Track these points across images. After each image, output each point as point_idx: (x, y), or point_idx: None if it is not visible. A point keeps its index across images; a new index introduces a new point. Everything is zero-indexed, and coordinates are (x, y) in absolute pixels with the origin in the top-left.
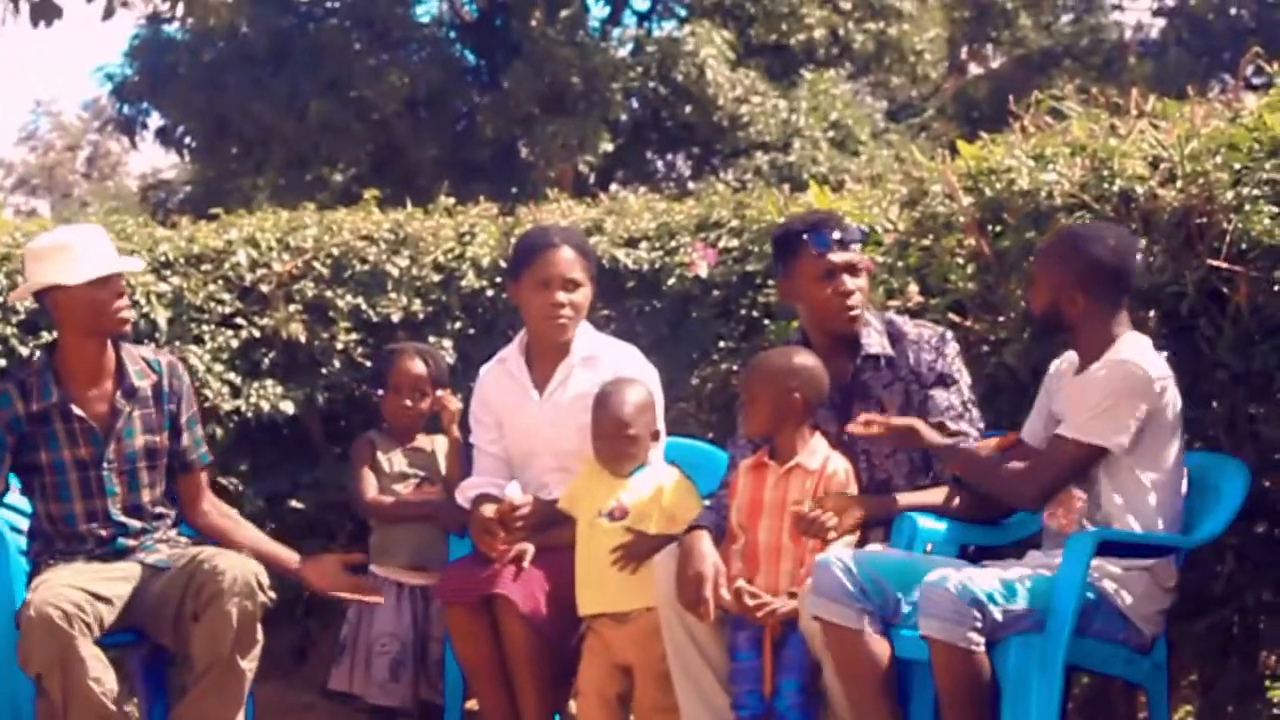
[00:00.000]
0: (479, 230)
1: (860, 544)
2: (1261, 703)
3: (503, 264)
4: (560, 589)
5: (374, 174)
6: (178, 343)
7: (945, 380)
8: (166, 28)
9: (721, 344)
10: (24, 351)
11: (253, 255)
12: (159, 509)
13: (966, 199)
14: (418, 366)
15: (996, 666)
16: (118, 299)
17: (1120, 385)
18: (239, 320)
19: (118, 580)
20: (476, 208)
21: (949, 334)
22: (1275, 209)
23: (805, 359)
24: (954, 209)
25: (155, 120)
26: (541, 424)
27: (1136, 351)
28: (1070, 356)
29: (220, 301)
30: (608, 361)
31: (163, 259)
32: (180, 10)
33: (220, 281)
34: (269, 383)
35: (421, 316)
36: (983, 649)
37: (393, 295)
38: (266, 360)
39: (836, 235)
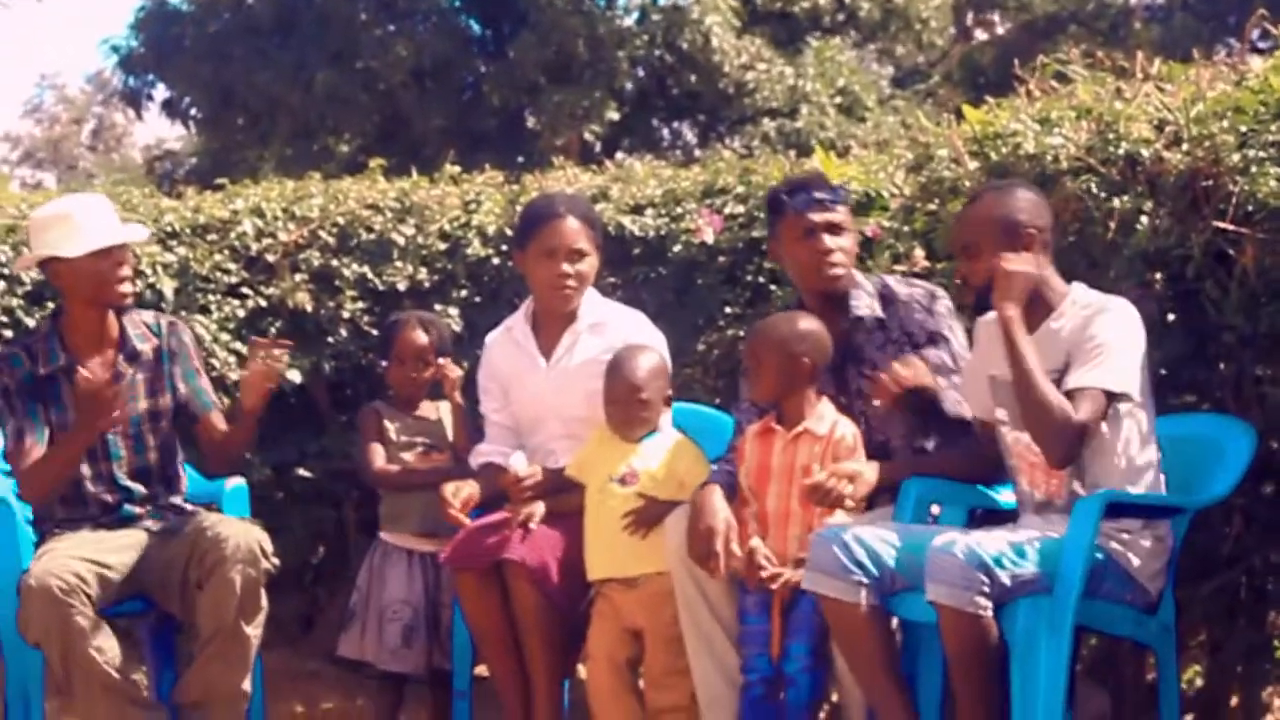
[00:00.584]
0: (484, 198)
1: (869, 508)
2: (1270, 663)
3: (508, 232)
4: (570, 554)
5: (380, 144)
6: (184, 312)
7: (936, 339)
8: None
9: (727, 310)
10: (30, 323)
11: (258, 225)
12: (164, 473)
13: (972, 163)
14: (420, 336)
15: (1005, 629)
16: (119, 270)
17: (1123, 327)
18: (245, 290)
19: (123, 549)
20: (482, 176)
21: (940, 291)
22: None
23: (810, 323)
24: (960, 173)
25: (161, 92)
26: (548, 391)
27: (1106, 296)
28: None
29: (226, 271)
30: (615, 328)
31: (168, 229)
32: None
33: (226, 251)
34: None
35: (427, 285)
36: (990, 613)
37: (398, 264)
38: (273, 329)
39: (816, 195)
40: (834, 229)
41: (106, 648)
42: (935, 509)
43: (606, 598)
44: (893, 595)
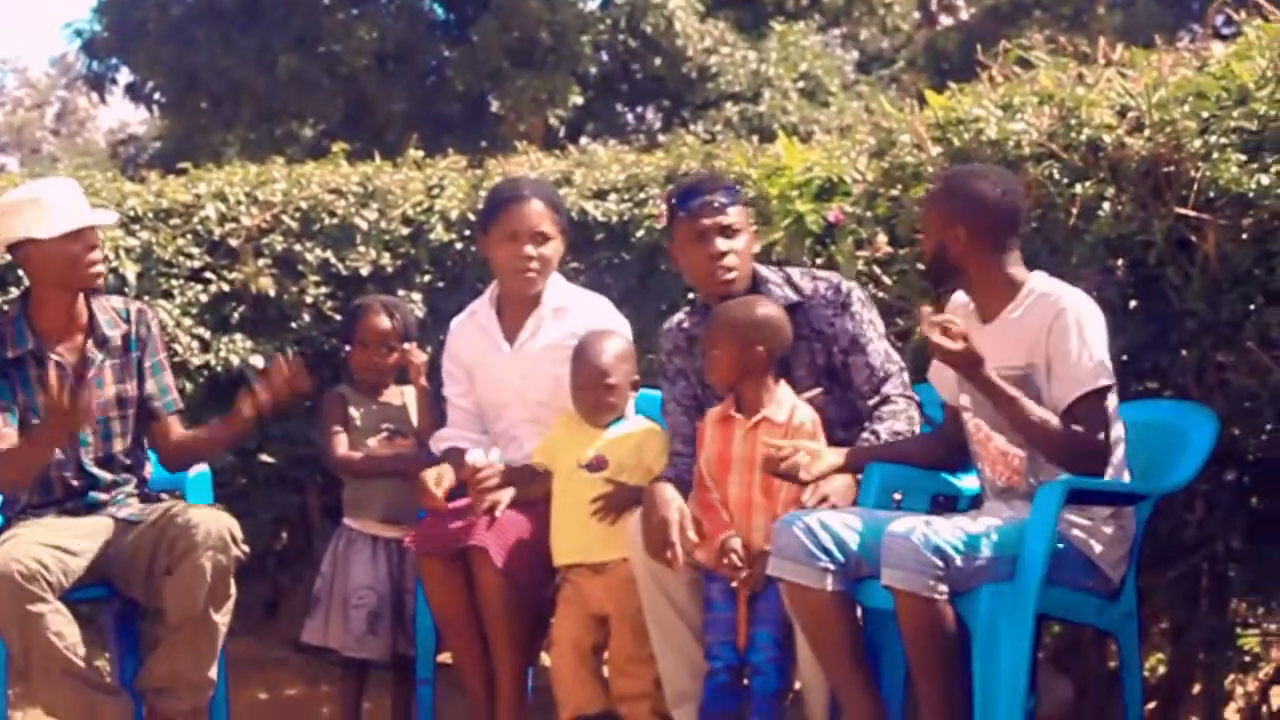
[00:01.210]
0: (448, 183)
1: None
2: (1232, 650)
3: (472, 217)
4: (535, 541)
5: (344, 129)
6: (146, 297)
7: (857, 343)
8: None
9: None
10: None
11: (221, 210)
12: (130, 460)
13: (935, 149)
14: (383, 322)
15: (967, 617)
16: (90, 252)
17: (1091, 319)
18: (208, 275)
19: (88, 535)
20: (445, 161)
21: (845, 284)
22: (1243, 157)
23: (768, 309)
24: (922, 159)
25: (124, 76)
26: (513, 376)
27: (1062, 287)
28: (960, 300)
29: (189, 256)
30: (578, 313)
31: (131, 214)
32: None
33: (189, 236)
34: (238, 337)
35: (390, 270)
36: (946, 598)
37: (361, 249)
38: (236, 314)
39: (707, 198)
40: (727, 232)
41: (67, 633)
42: (898, 496)
43: (572, 584)
44: (858, 582)
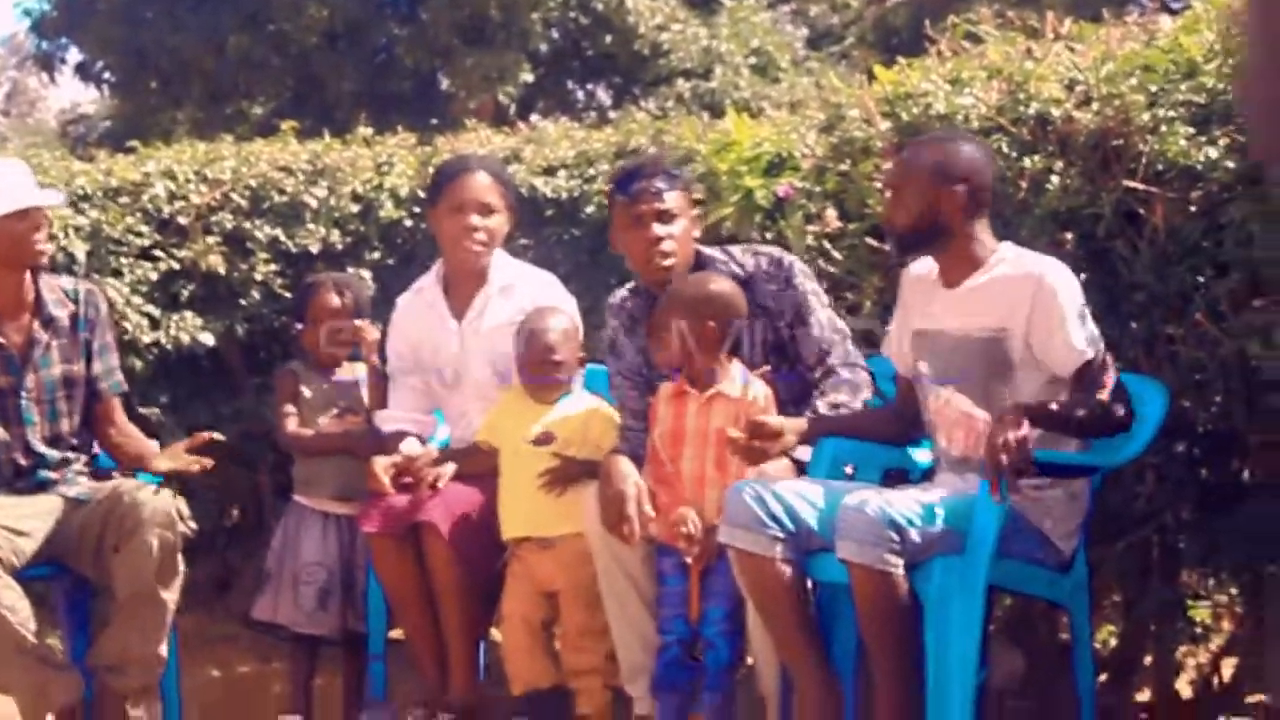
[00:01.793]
0: (397, 160)
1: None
2: (1183, 621)
3: (421, 194)
4: (484, 516)
5: (294, 107)
6: (96, 275)
7: (802, 316)
8: None
9: None
10: None
11: (170, 188)
12: (78, 439)
13: (884, 123)
14: (334, 300)
15: (919, 589)
16: (36, 232)
17: (1072, 288)
18: (157, 252)
19: (38, 514)
20: (395, 138)
21: (786, 258)
22: (1191, 130)
23: (720, 285)
24: (871, 134)
25: (74, 55)
26: (460, 353)
27: (1038, 257)
28: (925, 266)
29: (138, 234)
30: (525, 290)
31: (80, 192)
32: None
33: (138, 214)
34: (188, 314)
35: (340, 247)
36: (901, 571)
37: (311, 226)
38: (185, 292)
39: (645, 183)
40: (664, 217)
41: (19, 608)
42: (849, 469)
43: (521, 559)
44: (809, 555)
